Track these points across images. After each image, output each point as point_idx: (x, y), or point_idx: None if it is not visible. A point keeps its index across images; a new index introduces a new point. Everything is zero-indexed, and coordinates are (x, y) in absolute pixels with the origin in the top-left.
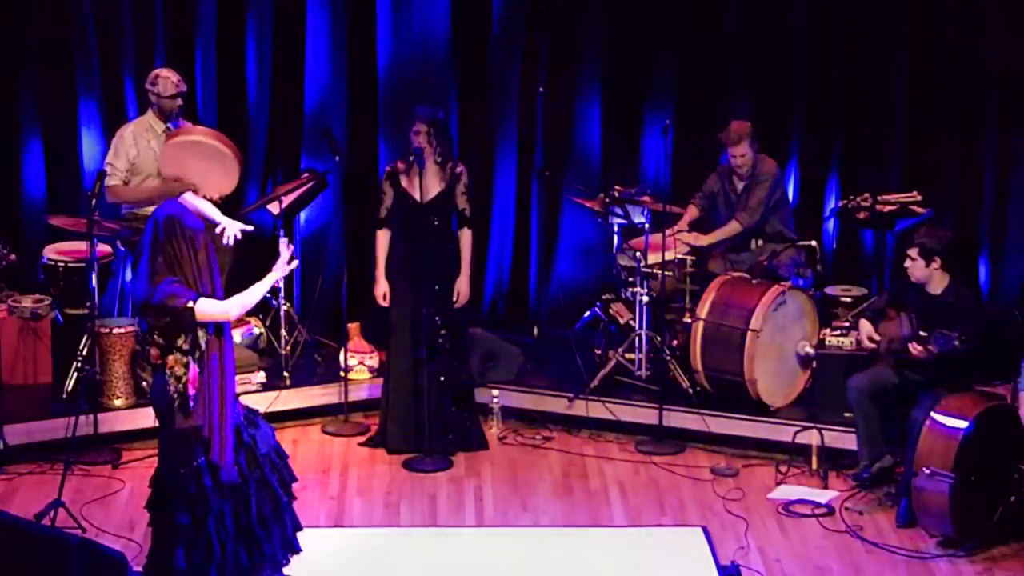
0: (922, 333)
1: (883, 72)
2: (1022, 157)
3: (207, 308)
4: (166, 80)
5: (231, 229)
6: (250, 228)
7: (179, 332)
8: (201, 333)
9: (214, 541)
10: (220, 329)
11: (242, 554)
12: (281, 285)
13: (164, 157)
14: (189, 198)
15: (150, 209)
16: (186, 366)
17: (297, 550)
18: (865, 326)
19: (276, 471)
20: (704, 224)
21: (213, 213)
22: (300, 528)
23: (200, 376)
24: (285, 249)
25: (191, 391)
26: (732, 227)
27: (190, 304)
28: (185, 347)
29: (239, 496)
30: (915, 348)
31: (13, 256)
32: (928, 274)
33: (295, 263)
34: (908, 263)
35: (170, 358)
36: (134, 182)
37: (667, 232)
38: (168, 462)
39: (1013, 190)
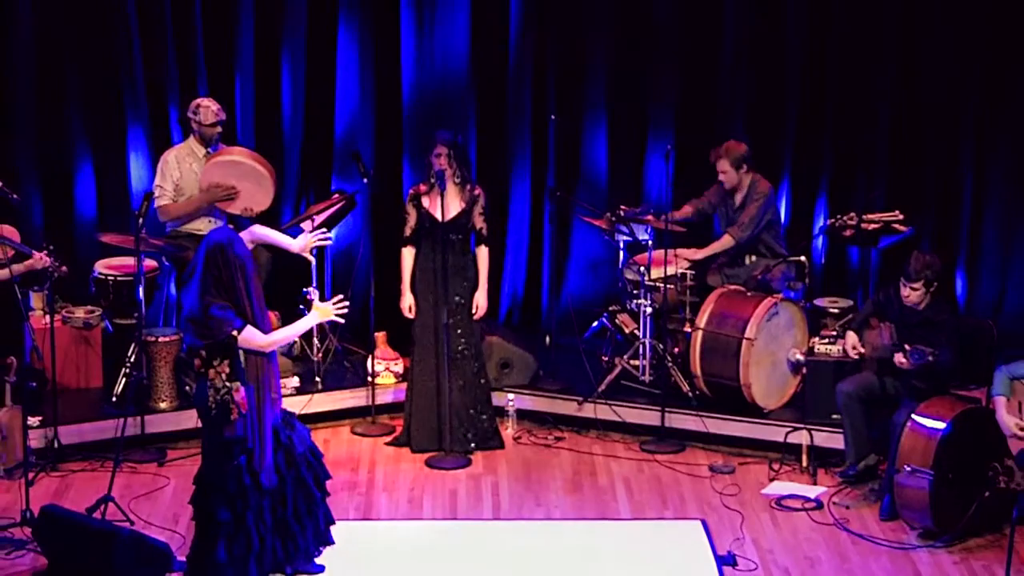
0: (907, 347)
1: (869, 101)
2: (996, 179)
3: (250, 337)
4: (207, 109)
5: (312, 242)
6: (330, 238)
7: (220, 354)
8: (242, 354)
9: (253, 535)
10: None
11: (278, 546)
12: (316, 297)
13: (205, 176)
14: (257, 230)
15: (193, 227)
16: (229, 383)
17: (329, 542)
18: (851, 337)
19: (311, 470)
20: (700, 232)
21: (282, 239)
22: (333, 522)
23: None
24: (320, 301)
25: (243, 410)
26: (725, 241)
27: (234, 332)
28: (227, 370)
29: (276, 493)
30: (899, 359)
31: (64, 268)
32: (923, 297)
33: (343, 307)
34: (909, 292)
35: (211, 371)
36: (182, 201)
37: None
38: (210, 461)
39: (987, 210)
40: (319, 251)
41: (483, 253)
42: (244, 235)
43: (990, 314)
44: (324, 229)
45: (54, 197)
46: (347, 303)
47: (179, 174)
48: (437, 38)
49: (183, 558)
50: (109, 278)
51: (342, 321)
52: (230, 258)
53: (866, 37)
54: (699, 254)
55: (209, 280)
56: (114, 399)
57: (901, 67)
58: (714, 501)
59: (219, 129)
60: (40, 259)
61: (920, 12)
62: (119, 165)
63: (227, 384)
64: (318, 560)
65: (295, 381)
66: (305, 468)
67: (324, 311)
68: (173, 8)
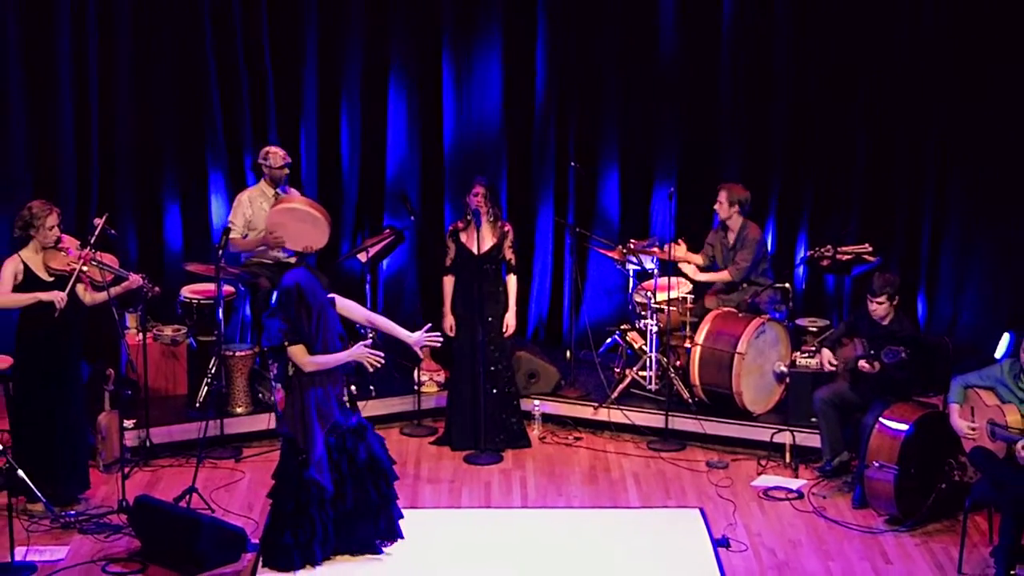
0: (871, 352)
1: (843, 150)
2: (952, 218)
3: (297, 354)
4: (275, 155)
5: (425, 340)
6: (441, 341)
7: (273, 357)
8: (291, 365)
9: (316, 523)
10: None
11: (342, 535)
12: (371, 338)
13: (270, 219)
14: (376, 319)
15: (264, 257)
16: (274, 383)
17: (396, 538)
18: (826, 353)
19: (372, 475)
20: (698, 240)
21: (399, 331)
22: (399, 518)
23: (287, 398)
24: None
25: (279, 409)
26: (723, 275)
27: (285, 343)
28: (274, 371)
29: (338, 490)
30: (864, 365)
31: (157, 289)
32: (889, 311)
33: (434, 339)
34: (876, 307)
35: (267, 371)
36: (250, 236)
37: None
38: (282, 458)
39: (943, 244)
40: (372, 277)
41: (512, 280)
42: (359, 314)
43: (946, 332)
44: (438, 334)
45: (147, 232)
46: (439, 337)
47: (251, 212)
48: (474, 95)
49: (256, 540)
50: (193, 301)
51: (371, 369)
52: (295, 297)
53: (841, 96)
54: (700, 276)
55: (279, 304)
56: (197, 405)
57: (871, 122)
58: (710, 492)
59: (286, 172)
60: (135, 281)
61: (888, 78)
62: (201, 204)
63: (273, 384)
64: (385, 550)
65: (352, 389)
66: (366, 473)
67: (360, 354)
68: (248, 69)
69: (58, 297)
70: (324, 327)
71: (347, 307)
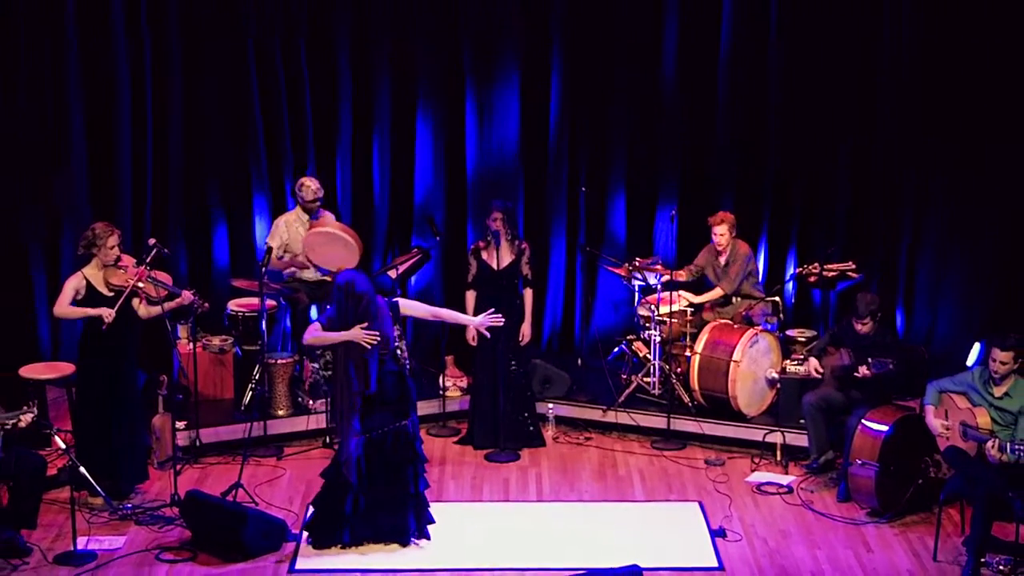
0: (869, 360)
1: (829, 177)
2: (928, 239)
3: (308, 331)
4: (307, 189)
5: (487, 321)
6: (502, 320)
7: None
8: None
9: (347, 508)
10: (345, 365)
11: (372, 523)
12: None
13: (305, 241)
14: (443, 313)
15: (302, 276)
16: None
17: (422, 536)
18: (812, 362)
19: (404, 474)
20: (695, 286)
21: (462, 318)
22: (428, 522)
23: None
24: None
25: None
26: (716, 292)
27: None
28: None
29: (369, 485)
30: (863, 371)
31: (207, 304)
32: (872, 328)
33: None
34: (860, 327)
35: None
36: (286, 258)
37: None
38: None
39: (920, 261)
40: (402, 292)
41: (529, 294)
42: (423, 310)
43: (923, 342)
44: (499, 315)
45: (196, 251)
46: (500, 317)
47: (287, 236)
48: (494, 127)
49: (296, 531)
50: (239, 314)
51: (367, 347)
52: (345, 292)
53: (826, 131)
54: (697, 299)
55: (332, 297)
56: (242, 408)
57: (854, 153)
58: (708, 487)
59: (317, 204)
60: (186, 297)
61: (869, 116)
62: (246, 226)
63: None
64: (415, 541)
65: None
66: (400, 474)
67: (356, 335)
68: (289, 106)
69: (105, 312)
70: (368, 318)
71: (411, 306)
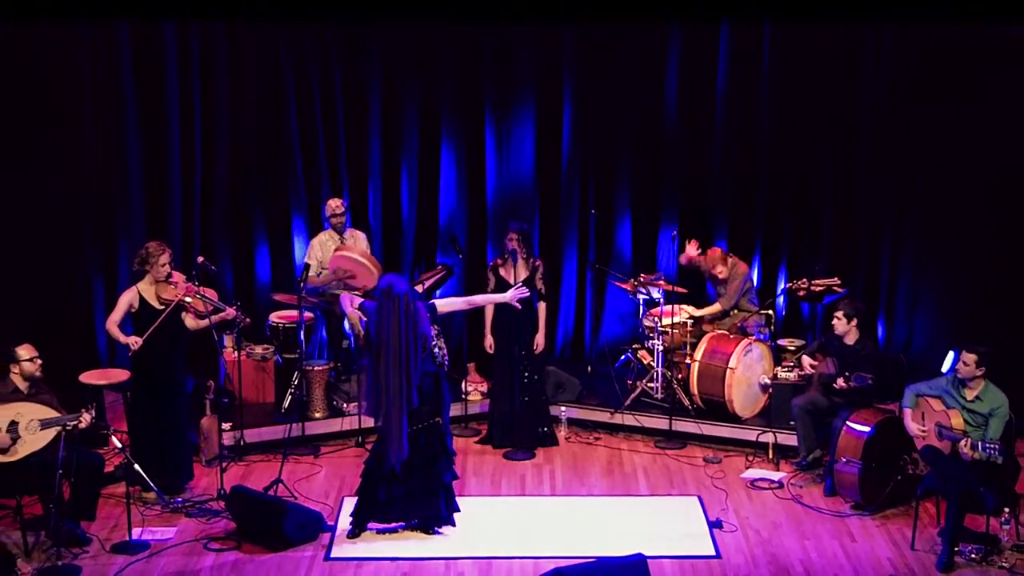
0: (847, 374)
1: (816, 200)
2: (906, 257)
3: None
4: (330, 206)
5: (517, 294)
6: (527, 292)
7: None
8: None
9: (380, 494)
10: (382, 363)
11: (405, 511)
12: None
13: (332, 262)
14: (476, 298)
15: (335, 291)
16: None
17: (447, 525)
18: (806, 359)
19: (437, 466)
20: (694, 299)
21: (495, 296)
22: (455, 510)
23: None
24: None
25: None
26: (715, 308)
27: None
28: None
29: (404, 477)
30: (839, 383)
31: (248, 320)
32: (847, 329)
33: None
34: (835, 322)
35: None
36: (323, 274)
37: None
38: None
39: (899, 277)
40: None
41: (542, 307)
42: (459, 303)
43: (902, 350)
44: (525, 289)
45: (241, 268)
46: (525, 290)
47: (321, 254)
48: (512, 156)
49: (332, 523)
50: (279, 325)
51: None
52: (387, 294)
53: (813, 160)
54: (697, 312)
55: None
56: (282, 410)
57: (838, 180)
58: (707, 483)
59: (341, 219)
60: (230, 313)
61: (851, 149)
62: (286, 245)
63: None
64: (440, 529)
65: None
66: (432, 467)
67: (351, 315)
68: (324, 137)
69: (132, 341)
70: (409, 318)
71: (447, 303)
